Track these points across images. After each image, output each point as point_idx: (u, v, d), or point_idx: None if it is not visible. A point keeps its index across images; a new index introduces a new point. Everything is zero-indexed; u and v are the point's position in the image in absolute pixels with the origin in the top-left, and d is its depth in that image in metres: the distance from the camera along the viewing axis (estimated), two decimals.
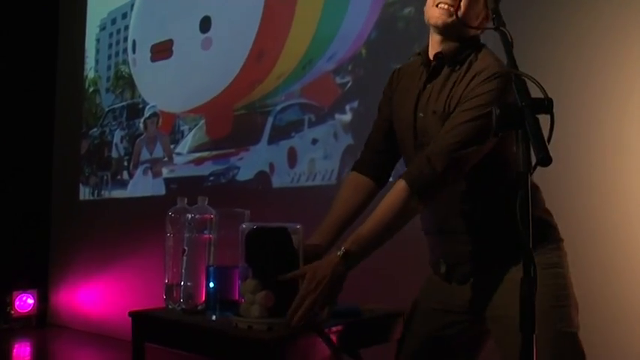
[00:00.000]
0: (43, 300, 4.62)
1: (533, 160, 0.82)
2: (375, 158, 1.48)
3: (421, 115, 1.33)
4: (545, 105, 0.86)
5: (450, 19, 1.27)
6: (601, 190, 2.21)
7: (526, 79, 0.92)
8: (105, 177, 4.45)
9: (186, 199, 1.54)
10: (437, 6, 1.29)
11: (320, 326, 1.21)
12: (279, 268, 1.22)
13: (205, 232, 1.42)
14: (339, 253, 1.21)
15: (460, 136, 1.21)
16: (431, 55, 1.35)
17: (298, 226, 1.25)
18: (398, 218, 1.24)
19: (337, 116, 3.07)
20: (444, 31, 1.30)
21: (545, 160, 0.79)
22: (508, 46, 1.03)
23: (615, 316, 2.10)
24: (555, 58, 2.31)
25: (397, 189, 1.24)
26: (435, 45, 1.34)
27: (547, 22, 2.38)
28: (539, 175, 0.81)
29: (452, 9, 1.26)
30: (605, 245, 2.17)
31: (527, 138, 0.82)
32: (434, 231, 1.40)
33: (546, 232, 1.30)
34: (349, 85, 3.06)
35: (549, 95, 0.87)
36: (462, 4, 1.26)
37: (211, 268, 1.36)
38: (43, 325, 4.58)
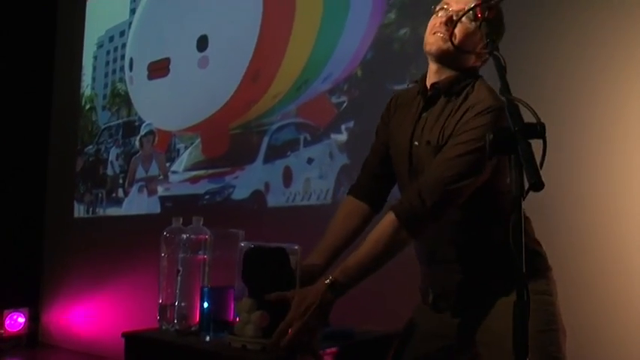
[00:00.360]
0: (34, 319, 4.55)
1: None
2: (372, 183, 1.49)
3: (416, 143, 1.34)
4: (538, 130, 0.87)
5: (445, 46, 1.29)
6: (597, 193, 2.21)
7: (519, 103, 0.93)
8: (100, 195, 4.44)
9: (181, 219, 1.54)
10: (433, 34, 1.31)
11: (315, 348, 1.21)
12: (275, 288, 1.22)
13: (200, 252, 1.42)
14: (326, 282, 1.21)
15: (452, 170, 1.21)
16: (428, 84, 1.36)
17: (296, 247, 1.26)
18: (386, 250, 1.24)
19: (333, 136, 3.08)
20: (440, 58, 1.32)
21: (538, 185, 0.80)
22: (501, 70, 1.04)
23: (611, 327, 2.11)
24: (555, 60, 2.32)
25: (386, 221, 1.24)
26: (432, 74, 1.36)
27: (549, 22, 2.39)
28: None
29: (447, 35, 1.28)
30: (601, 255, 2.17)
31: (520, 163, 0.83)
32: (425, 260, 1.40)
33: (535, 261, 1.31)
34: (345, 105, 3.08)
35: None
36: (456, 31, 1.28)
37: (205, 289, 1.35)
38: (34, 344, 4.50)
